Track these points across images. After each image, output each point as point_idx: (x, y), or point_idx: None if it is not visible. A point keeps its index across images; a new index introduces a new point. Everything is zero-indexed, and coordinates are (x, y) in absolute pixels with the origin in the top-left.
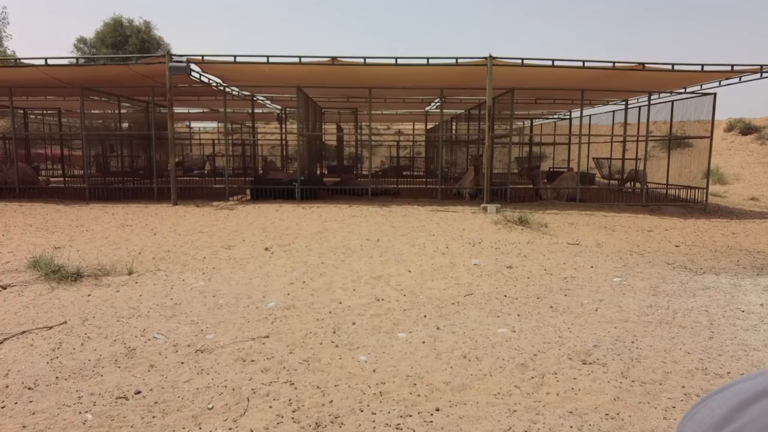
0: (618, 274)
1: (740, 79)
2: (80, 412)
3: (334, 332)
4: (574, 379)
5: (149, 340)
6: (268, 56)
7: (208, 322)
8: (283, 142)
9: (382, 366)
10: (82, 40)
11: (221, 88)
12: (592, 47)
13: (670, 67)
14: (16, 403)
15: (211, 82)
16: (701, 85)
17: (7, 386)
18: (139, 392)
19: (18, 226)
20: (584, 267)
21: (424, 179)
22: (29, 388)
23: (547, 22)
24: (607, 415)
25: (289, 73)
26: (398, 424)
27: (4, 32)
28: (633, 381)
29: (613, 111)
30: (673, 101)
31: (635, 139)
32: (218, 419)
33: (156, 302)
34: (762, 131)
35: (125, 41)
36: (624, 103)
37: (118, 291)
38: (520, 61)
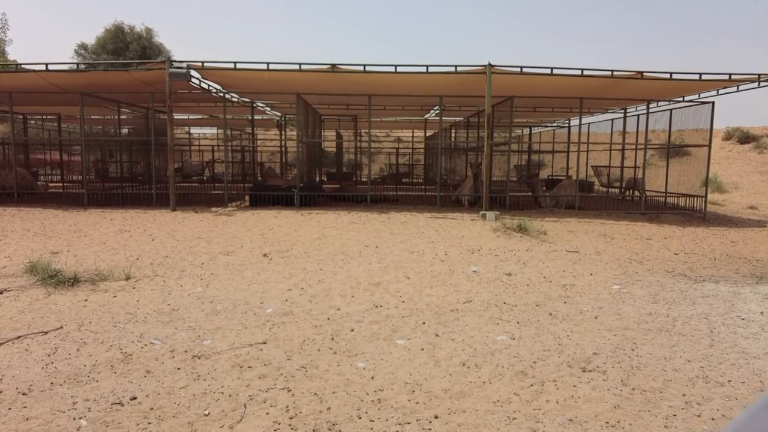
0: (617, 282)
1: (738, 88)
2: (74, 418)
3: (332, 339)
4: (574, 386)
5: (146, 345)
6: (268, 63)
7: (205, 328)
8: (283, 149)
9: (380, 373)
10: (82, 46)
11: (221, 94)
12: (590, 55)
13: (668, 75)
14: (9, 408)
15: (210, 88)
16: (699, 94)
17: (1, 392)
18: (134, 398)
19: (15, 231)
20: (583, 274)
21: (423, 186)
22: (23, 394)
23: (546, 31)
24: (607, 423)
25: (289, 80)
26: None
27: (5, 38)
28: (633, 389)
29: (612, 119)
30: (671, 110)
31: (634, 147)
32: (215, 426)
33: (153, 308)
34: (760, 140)
35: (126, 47)
36: (623, 111)
37: (115, 296)
38: (519, 69)
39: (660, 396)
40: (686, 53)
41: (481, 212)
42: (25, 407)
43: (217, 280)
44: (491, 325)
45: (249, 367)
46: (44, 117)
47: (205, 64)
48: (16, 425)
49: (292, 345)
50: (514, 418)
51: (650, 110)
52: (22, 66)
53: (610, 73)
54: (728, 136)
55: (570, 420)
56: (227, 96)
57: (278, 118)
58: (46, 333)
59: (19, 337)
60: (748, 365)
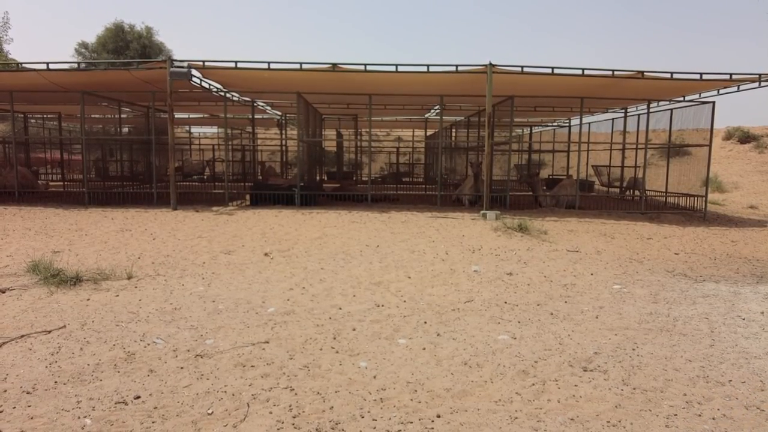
0: (618, 282)
1: (738, 88)
2: (79, 417)
3: (334, 338)
4: (575, 386)
5: (149, 344)
6: (269, 62)
7: (207, 327)
8: (283, 148)
9: (382, 372)
10: (83, 45)
11: (222, 93)
12: (590, 55)
13: (669, 75)
14: (14, 407)
15: (211, 87)
16: (700, 94)
17: (5, 390)
18: (138, 397)
19: (17, 230)
20: (584, 274)
21: (423, 186)
22: (28, 393)
23: (546, 31)
24: (608, 422)
25: (289, 79)
26: (399, 431)
27: (5, 36)
28: (634, 388)
29: (613, 119)
30: (672, 109)
31: (634, 147)
32: (218, 425)
33: (155, 307)
34: (760, 140)
35: (126, 46)
36: (623, 111)
37: (117, 295)
38: (519, 68)
39: (661, 395)
40: (686, 53)
41: (482, 212)
42: (29, 406)
43: (219, 280)
44: (492, 325)
45: (252, 366)
46: (45, 116)
47: (206, 64)
48: (21, 424)
49: (294, 344)
50: (516, 417)
51: (651, 110)
52: (23, 65)
53: (610, 72)
54: (728, 136)
55: (571, 419)
56: (228, 95)
57: (279, 118)
58: (50, 332)
59: (22, 336)
60: (749, 365)
